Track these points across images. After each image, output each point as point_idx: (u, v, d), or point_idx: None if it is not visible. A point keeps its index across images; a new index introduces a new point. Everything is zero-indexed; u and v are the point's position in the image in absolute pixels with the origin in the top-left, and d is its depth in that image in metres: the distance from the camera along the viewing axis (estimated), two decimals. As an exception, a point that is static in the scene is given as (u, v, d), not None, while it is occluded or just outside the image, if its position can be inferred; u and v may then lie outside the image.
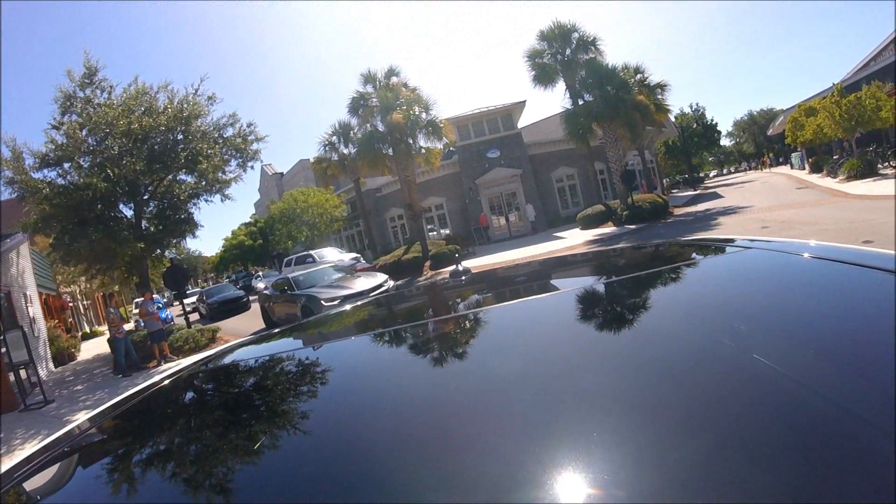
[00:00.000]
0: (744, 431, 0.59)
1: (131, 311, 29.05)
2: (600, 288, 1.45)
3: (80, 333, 26.80)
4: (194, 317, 24.25)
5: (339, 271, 15.42)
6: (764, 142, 71.50)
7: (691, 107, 68.60)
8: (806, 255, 1.24)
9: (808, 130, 31.10)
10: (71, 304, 29.37)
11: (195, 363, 1.48)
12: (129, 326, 16.81)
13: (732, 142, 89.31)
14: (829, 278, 1.11)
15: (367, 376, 1.07)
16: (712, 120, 68.56)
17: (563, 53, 25.04)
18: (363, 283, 13.37)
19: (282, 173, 54.81)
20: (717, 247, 1.62)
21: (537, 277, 1.99)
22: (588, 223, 24.33)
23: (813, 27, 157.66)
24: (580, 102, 24.95)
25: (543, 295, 1.51)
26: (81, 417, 1.14)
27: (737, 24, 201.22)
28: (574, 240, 21.03)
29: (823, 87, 29.81)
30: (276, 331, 1.91)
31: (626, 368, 0.82)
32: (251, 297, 26.16)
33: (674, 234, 17.11)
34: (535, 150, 32.48)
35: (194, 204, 14.75)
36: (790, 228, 13.44)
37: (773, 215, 17.11)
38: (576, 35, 24.84)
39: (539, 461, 0.58)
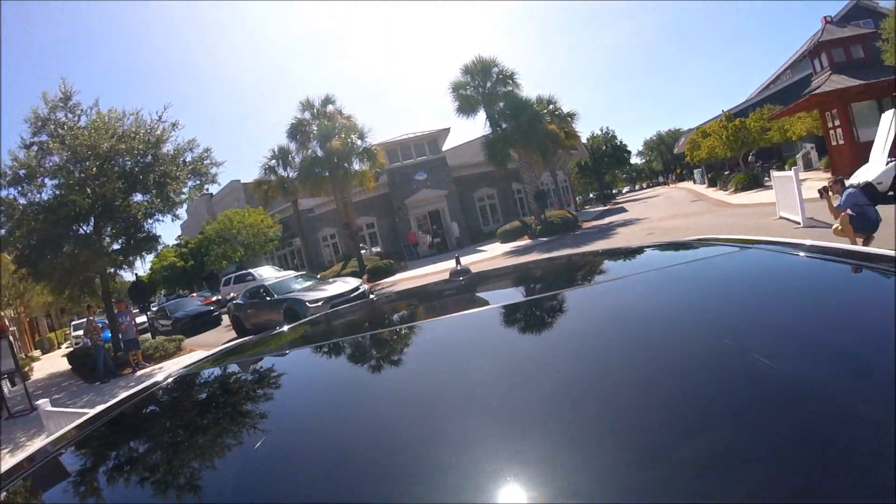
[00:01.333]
0: (740, 433, 0.59)
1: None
2: (591, 290, 1.41)
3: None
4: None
5: (307, 279, 16.62)
6: (671, 159, 77.30)
7: (602, 130, 73.74)
8: (801, 253, 1.22)
9: (703, 150, 35.39)
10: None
11: (196, 363, 1.48)
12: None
13: (643, 160, 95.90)
14: (827, 277, 1.09)
15: (356, 380, 1.06)
16: (621, 141, 73.88)
17: (484, 86, 27.82)
18: (339, 286, 14.28)
19: (211, 194, 54.72)
20: (712, 247, 1.56)
21: (529, 280, 1.94)
22: (507, 237, 27.15)
23: (721, 52, 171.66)
24: (499, 130, 27.77)
25: (534, 297, 1.47)
26: (78, 419, 1.16)
27: (650, 49, 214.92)
28: (494, 252, 23.73)
29: (731, 106, 34.05)
30: (268, 335, 1.96)
31: (618, 368, 0.81)
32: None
33: (579, 244, 19.81)
34: (458, 172, 35.09)
35: (150, 223, 15.69)
36: (671, 235, 16.18)
37: (663, 224, 20.20)
38: (496, 69, 27.70)
39: (535, 465, 0.58)
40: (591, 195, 71.50)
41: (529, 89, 38.70)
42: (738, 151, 31.43)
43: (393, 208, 33.62)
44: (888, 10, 20.87)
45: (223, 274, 32.39)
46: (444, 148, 35.90)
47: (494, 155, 27.02)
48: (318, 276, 19.44)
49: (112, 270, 16.27)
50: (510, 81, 28.01)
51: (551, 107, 30.87)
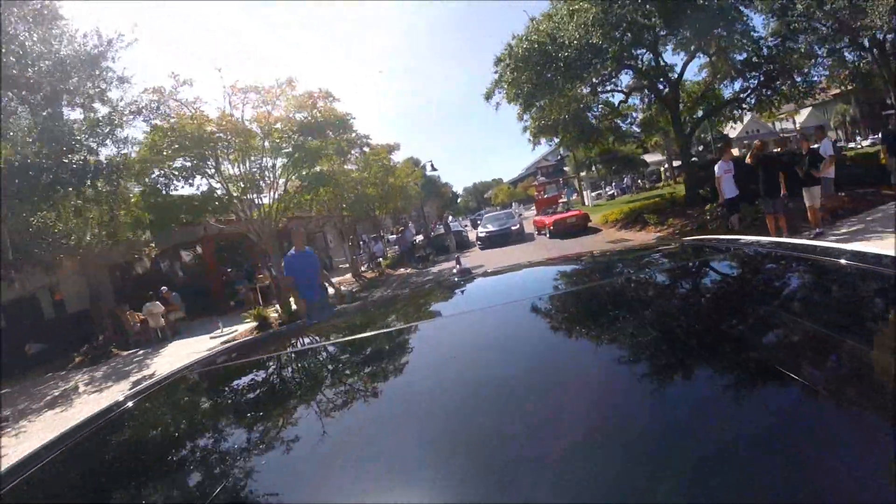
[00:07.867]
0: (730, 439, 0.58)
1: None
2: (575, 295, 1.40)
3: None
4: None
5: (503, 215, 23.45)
6: (483, 201, 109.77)
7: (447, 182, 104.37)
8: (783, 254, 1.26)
9: (499, 198, 66.45)
10: None
11: (200, 359, 1.46)
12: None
13: (461, 200, 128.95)
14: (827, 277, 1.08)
15: (372, 374, 1.03)
16: (455, 190, 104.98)
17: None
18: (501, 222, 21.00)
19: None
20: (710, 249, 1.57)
21: (525, 282, 1.87)
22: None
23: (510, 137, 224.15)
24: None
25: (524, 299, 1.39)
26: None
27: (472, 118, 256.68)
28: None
29: (521, 168, 65.54)
30: (282, 329, 1.94)
31: (599, 372, 0.82)
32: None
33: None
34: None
35: None
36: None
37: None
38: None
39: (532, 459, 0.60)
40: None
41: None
42: (509, 200, 61.69)
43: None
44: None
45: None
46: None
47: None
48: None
49: None
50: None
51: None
